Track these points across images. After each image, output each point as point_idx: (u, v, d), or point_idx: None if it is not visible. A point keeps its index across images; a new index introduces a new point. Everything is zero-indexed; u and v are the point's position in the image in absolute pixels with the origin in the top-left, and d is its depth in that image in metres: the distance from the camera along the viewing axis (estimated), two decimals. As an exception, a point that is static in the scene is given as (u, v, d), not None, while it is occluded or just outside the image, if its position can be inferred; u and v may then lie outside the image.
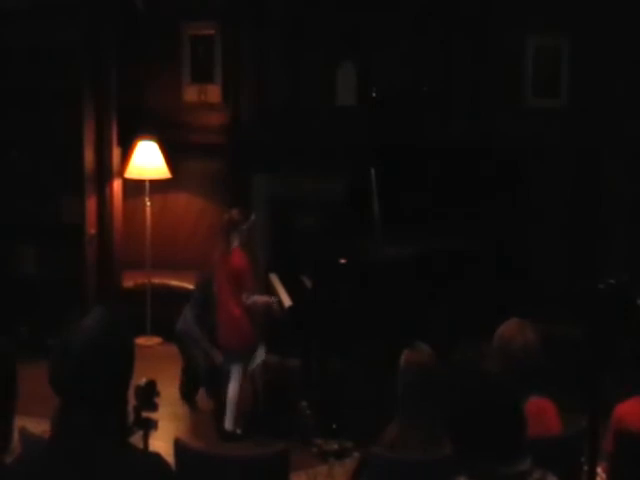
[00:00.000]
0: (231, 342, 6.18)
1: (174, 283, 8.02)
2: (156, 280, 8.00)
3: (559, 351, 5.76)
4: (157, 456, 2.35)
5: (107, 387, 2.26)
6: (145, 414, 3.06)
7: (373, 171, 6.34)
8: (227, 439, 6.03)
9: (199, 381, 6.63)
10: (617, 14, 7.02)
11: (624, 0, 7.02)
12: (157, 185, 8.07)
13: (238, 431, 6.09)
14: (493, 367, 2.47)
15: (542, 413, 3.75)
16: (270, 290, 6.77)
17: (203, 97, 8.29)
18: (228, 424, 6.07)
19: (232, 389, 6.09)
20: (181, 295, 7.83)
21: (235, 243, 6.17)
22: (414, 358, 3.92)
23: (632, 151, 7.00)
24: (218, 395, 6.38)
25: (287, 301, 6.33)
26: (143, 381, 3.05)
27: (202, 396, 6.64)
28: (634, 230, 7.02)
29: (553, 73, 7.33)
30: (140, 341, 7.71)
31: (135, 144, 7.94)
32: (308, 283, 6.33)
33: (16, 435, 3.46)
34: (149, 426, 3.09)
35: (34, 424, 3.98)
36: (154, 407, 3.08)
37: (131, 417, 2.98)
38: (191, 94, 8.33)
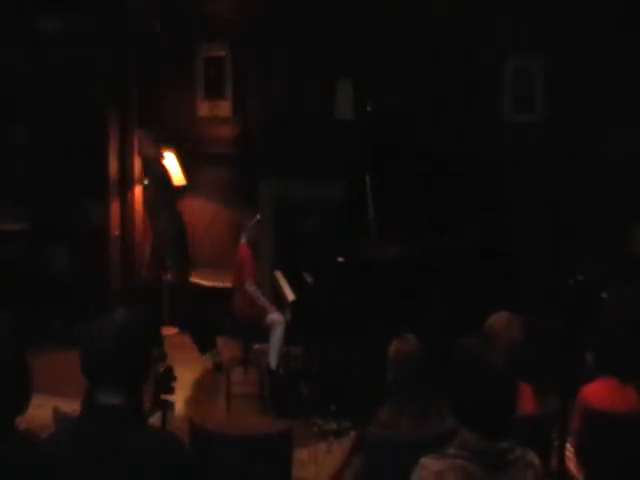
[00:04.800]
0: (240, 315, 6.51)
1: (189, 279, 8.05)
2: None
3: (535, 340, 5.80)
4: (173, 434, 2.39)
5: (134, 370, 2.32)
6: (163, 397, 3.10)
7: (368, 178, 6.37)
8: (270, 375, 6.33)
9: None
10: (586, 38, 7.07)
11: (591, 25, 7.06)
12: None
13: (281, 371, 6.37)
14: (496, 353, 2.48)
15: (520, 396, 3.78)
16: (275, 285, 6.81)
17: (215, 111, 8.32)
18: (272, 364, 6.34)
19: (274, 338, 6.37)
20: (196, 290, 7.90)
21: (242, 240, 6.49)
22: (402, 347, 3.92)
23: (598, 160, 7.03)
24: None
25: (290, 295, 6.37)
26: (161, 367, 3.09)
27: (215, 385, 6.67)
28: (600, 231, 7.05)
29: (529, 90, 7.36)
30: (159, 331, 7.75)
31: (154, 154, 7.98)
32: (309, 279, 6.36)
33: (50, 413, 3.52)
34: (167, 408, 3.13)
35: (66, 404, 4.02)
36: (171, 391, 3.12)
37: (150, 400, 3.02)
38: (204, 109, 8.36)
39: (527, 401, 3.84)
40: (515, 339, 3.76)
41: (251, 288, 6.44)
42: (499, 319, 3.86)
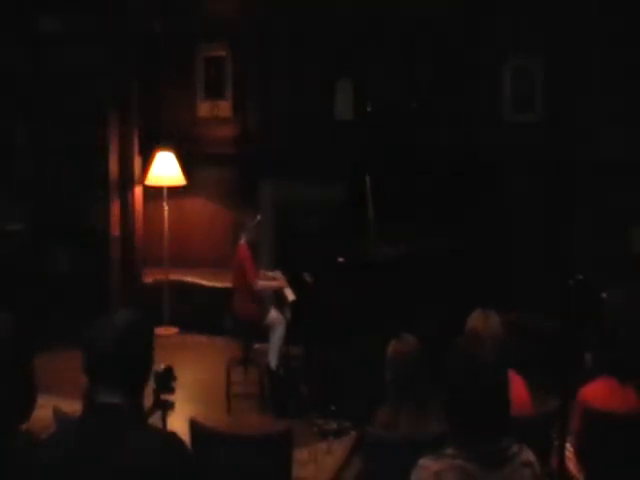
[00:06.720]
0: (240, 315, 6.45)
1: (189, 279, 8.07)
2: (173, 276, 8.05)
3: (536, 339, 5.81)
4: (173, 434, 2.39)
5: (134, 370, 2.33)
6: (163, 396, 3.10)
7: (368, 178, 6.37)
8: (270, 375, 6.35)
9: None
10: (585, 38, 7.09)
11: (591, 26, 7.08)
12: (174, 191, 8.12)
13: (281, 371, 6.39)
14: (487, 352, 2.49)
15: (511, 386, 3.76)
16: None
17: (215, 112, 8.34)
18: (272, 364, 6.36)
19: (275, 337, 6.36)
20: (195, 290, 7.90)
21: (242, 241, 6.42)
22: (400, 348, 3.91)
23: (598, 160, 7.04)
24: None
25: (290, 295, 6.38)
26: (161, 367, 3.08)
27: (215, 385, 6.67)
28: (600, 231, 7.06)
29: (529, 90, 7.38)
30: (158, 331, 7.72)
31: (154, 154, 7.99)
32: (309, 279, 6.36)
33: (50, 413, 3.52)
34: (167, 407, 3.13)
35: (66, 404, 4.01)
36: (171, 390, 3.12)
37: (151, 399, 3.02)
38: (204, 109, 8.38)
39: (518, 389, 3.82)
40: (497, 332, 3.78)
41: (260, 286, 6.44)
42: (477, 319, 3.88)
